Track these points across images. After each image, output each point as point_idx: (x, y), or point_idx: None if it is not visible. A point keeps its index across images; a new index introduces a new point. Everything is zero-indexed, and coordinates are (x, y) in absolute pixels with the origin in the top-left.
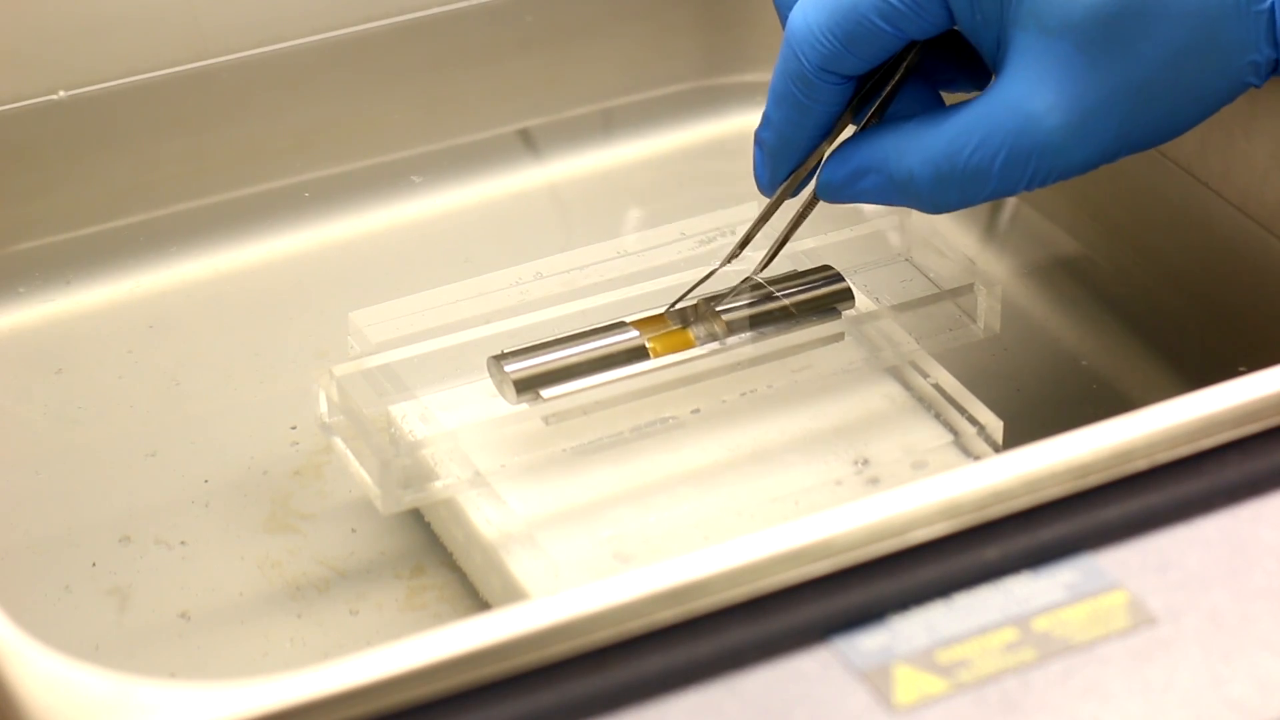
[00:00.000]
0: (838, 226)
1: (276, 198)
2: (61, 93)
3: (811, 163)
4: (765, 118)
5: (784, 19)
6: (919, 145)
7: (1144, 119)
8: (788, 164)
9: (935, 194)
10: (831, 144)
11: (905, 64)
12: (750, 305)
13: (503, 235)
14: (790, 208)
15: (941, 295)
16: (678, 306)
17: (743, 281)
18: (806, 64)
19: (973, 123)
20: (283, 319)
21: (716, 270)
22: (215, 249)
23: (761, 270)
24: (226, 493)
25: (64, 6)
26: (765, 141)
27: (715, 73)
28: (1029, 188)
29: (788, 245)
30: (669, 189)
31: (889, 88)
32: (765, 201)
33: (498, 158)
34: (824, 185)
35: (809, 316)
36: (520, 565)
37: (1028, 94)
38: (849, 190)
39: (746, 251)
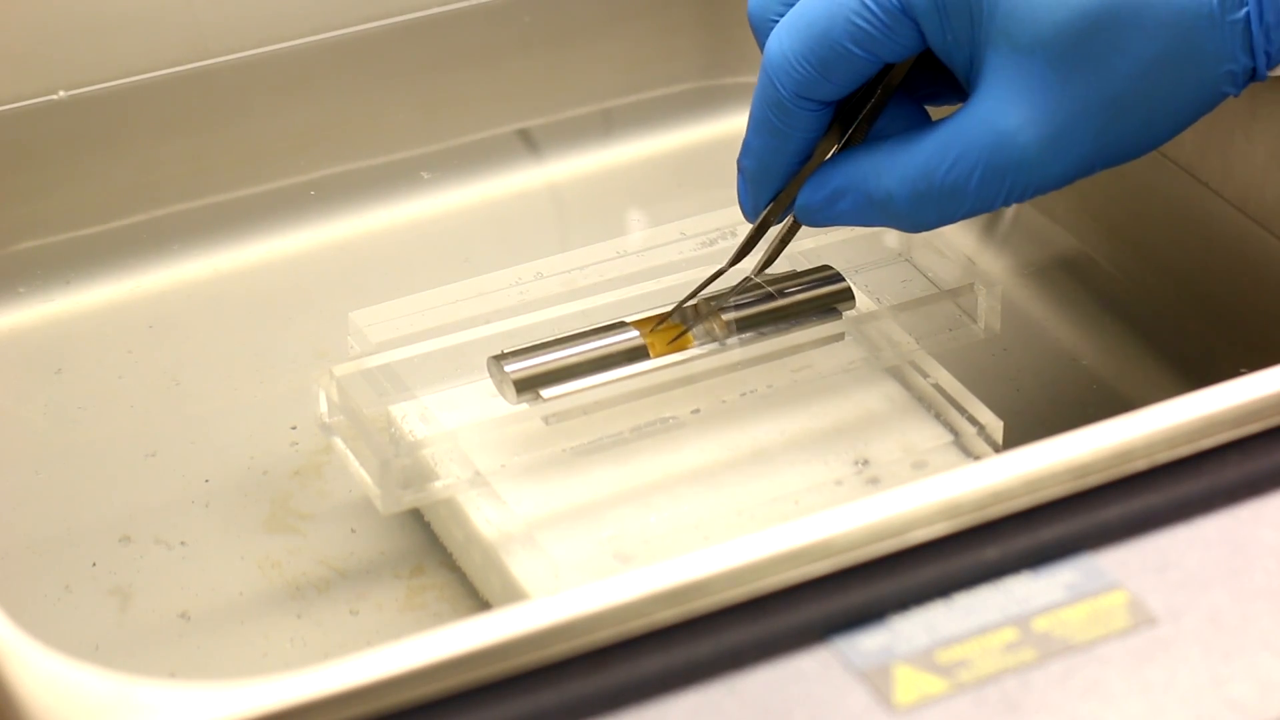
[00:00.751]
0: (838, 227)
1: (276, 198)
2: (61, 93)
3: (795, 188)
4: (745, 145)
5: (762, 46)
6: (895, 165)
7: (1120, 132)
8: (769, 190)
9: (913, 213)
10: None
11: (882, 85)
12: (750, 305)
13: (503, 235)
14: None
15: (941, 295)
16: (669, 316)
17: (742, 281)
18: (783, 91)
19: (948, 141)
20: (283, 319)
21: (701, 288)
22: (215, 249)
23: (746, 287)
24: (226, 493)
25: (64, 6)
26: (746, 169)
27: (715, 73)
28: (1006, 203)
29: (787, 245)
30: (669, 189)
31: (868, 109)
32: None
33: (498, 158)
34: (802, 208)
35: (809, 316)
36: (520, 565)
37: (1001, 111)
38: (828, 212)
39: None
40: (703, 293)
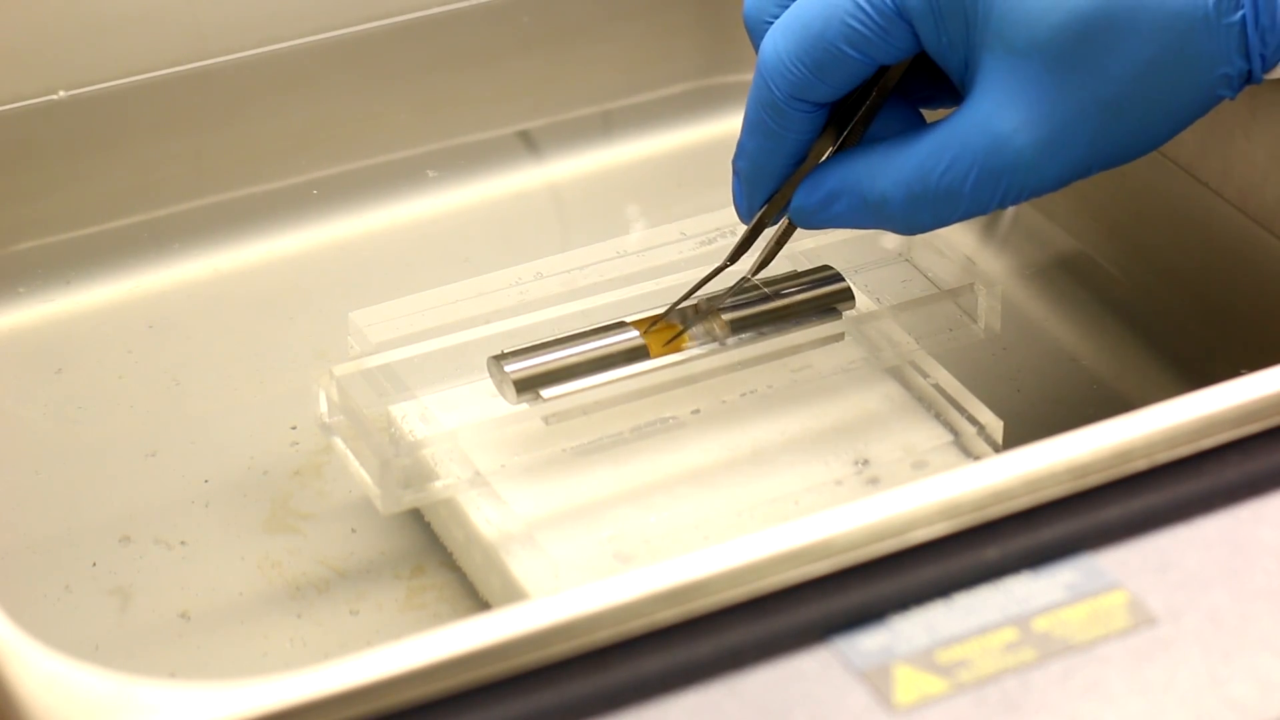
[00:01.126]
0: (835, 228)
1: (276, 198)
2: (61, 93)
3: (789, 189)
4: (740, 146)
5: (757, 47)
6: (890, 167)
7: (1115, 134)
8: (764, 191)
9: (908, 215)
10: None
11: (877, 88)
12: (750, 305)
13: (503, 235)
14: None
15: (941, 295)
16: (668, 316)
17: (739, 282)
18: (777, 93)
19: (943, 143)
20: (283, 319)
21: (698, 288)
22: (215, 249)
23: (741, 290)
24: (226, 493)
25: (64, 6)
26: (741, 170)
27: (715, 73)
28: (1002, 206)
29: (787, 245)
30: (669, 189)
31: (863, 111)
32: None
33: (498, 158)
34: (797, 210)
35: (809, 316)
36: (520, 565)
37: (997, 114)
38: (823, 215)
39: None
40: (703, 293)
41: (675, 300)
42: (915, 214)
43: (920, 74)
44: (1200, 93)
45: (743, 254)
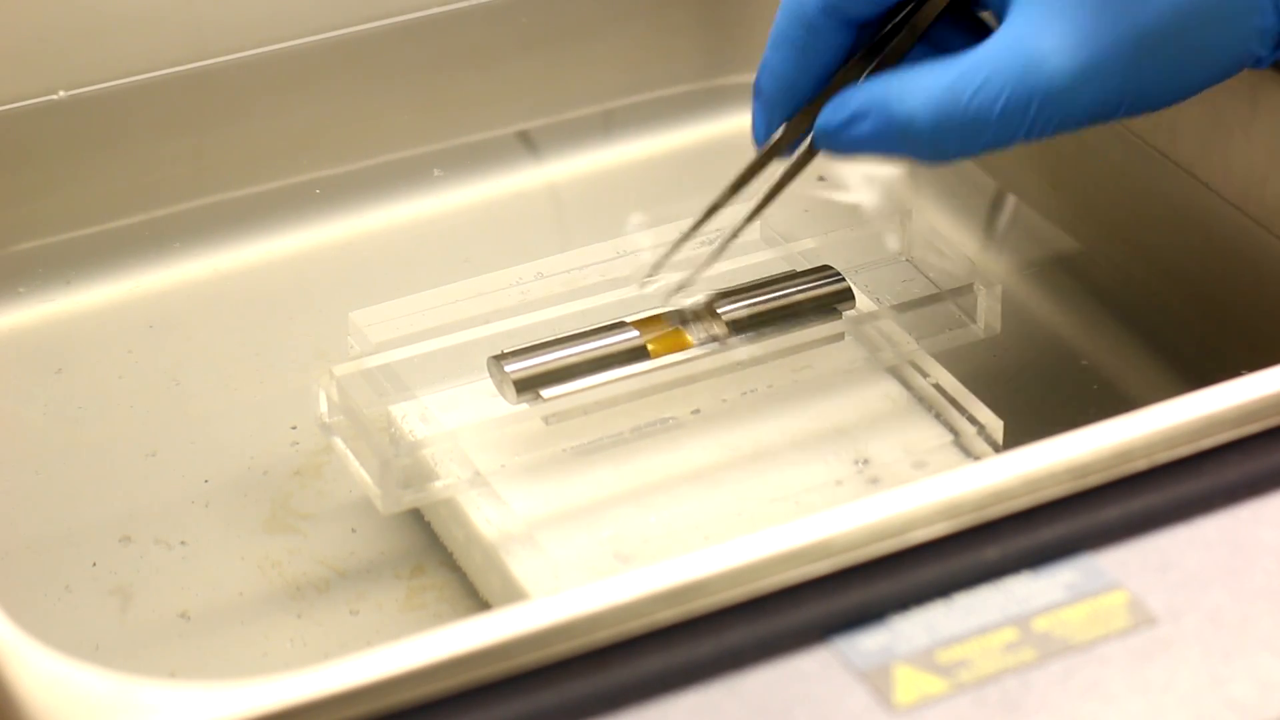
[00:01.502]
0: (838, 227)
1: (276, 198)
2: (61, 93)
3: (808, 116)
4: (764, 63)
5: None
6: (921, 86)
7: (1149, 72)
8: (784, 112)
9: (934, 140)
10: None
11: (909, 26)
12: (750, 305)
13: (503, 235)
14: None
15: (941, 295)
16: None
17: (753, 212)
18: (810, 3)
19: (977, 63)
20: (283, 319)
21: (697, 229)
22: (216, 249)
23: (751, 219)
24: (226, 493)
25: (64, 6)
26: (763, 89)
27: (715, 73)
28: (1029, 136)
29: (787, 246)
30: (669, 189)
31: (891, 46)
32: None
33: (497, 158)
34: (820, 130)
35: (809, 316)
36: (520, 565)
37: (1033, 34)
38: (846, 135)
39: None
40: (701, 294)
41: (675, 240)
42: (942, 138)
43: (951, 24)
44: (1234, 42)
45: (749, 180)
